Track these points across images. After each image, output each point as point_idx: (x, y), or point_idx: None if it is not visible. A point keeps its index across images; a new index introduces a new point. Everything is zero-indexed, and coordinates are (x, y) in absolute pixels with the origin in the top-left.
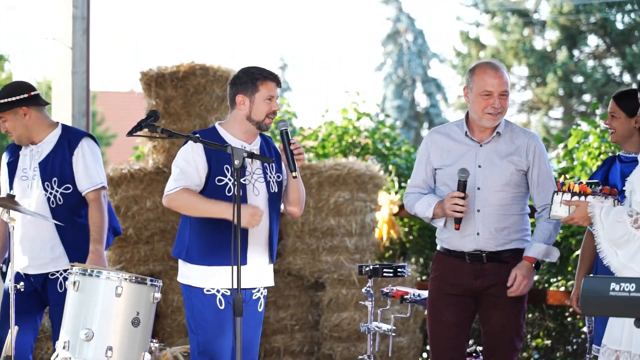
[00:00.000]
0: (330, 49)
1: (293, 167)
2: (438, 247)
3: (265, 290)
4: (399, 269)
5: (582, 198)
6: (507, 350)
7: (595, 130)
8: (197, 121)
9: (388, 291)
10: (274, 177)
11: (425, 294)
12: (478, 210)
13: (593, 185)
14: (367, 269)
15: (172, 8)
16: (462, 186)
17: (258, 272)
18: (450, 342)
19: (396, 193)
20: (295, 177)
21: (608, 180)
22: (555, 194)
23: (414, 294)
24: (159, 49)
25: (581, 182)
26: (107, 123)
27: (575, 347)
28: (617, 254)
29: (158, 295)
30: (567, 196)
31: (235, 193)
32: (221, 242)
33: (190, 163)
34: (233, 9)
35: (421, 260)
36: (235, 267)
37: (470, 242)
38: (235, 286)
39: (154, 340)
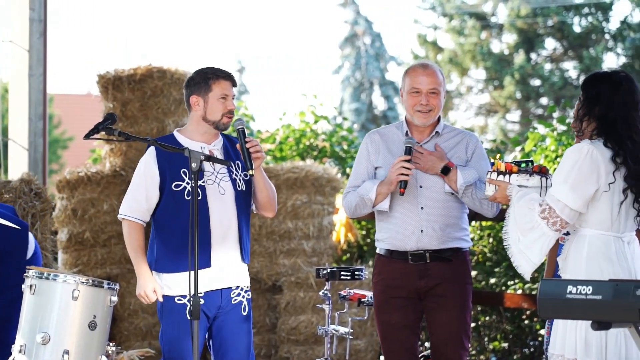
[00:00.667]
0: (288, 51)
1: (250, 165)
2: (377, 250)
3: (248, 294)
4: (356, 272)
5: (507, 177)
6: (456, 350)
7: (553, 133)
8: (154, 124)
9: (345, 294)
10: (240, 175)
11: None
12: (422, 208)
13: (524, 164)
14: (325, 272)
15: (131, 11)
16: (408, 151)
17: (229, 272)
18: (402, 345)
19: None
20: (252, 175)
21: None
22: (488, 173)
23: (371, 297)
24: (118, 51)
25: (515, 162)
26: (64, 126)
27: (532, 349)
28: (520, 239)
29: (115, 298)
30: (494, 175)
31: (193, 196)
32: (186, 249)
33: (140, 184)
34: (191, 12)
35: None
36: (193, 272)
37: (413, 240)
38: (207, 289)
39: (111, 344)
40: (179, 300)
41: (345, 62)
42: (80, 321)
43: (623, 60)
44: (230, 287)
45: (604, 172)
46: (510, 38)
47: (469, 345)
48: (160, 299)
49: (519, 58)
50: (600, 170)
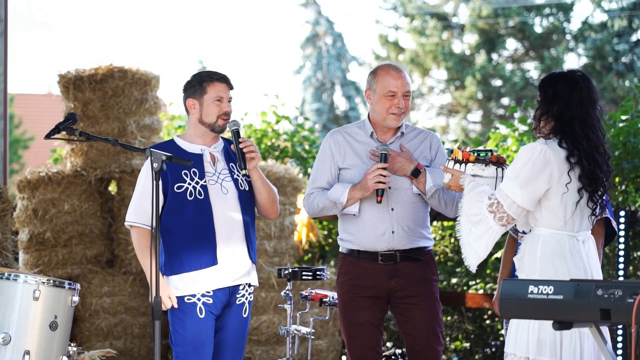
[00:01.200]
0: (250, 51)
1: (243, 165)
2: (342, 249)
3: (251, 295)
4: (317, 272)
5: (463, 165)
6: (434, 346)
7: (514, 133)
8: (115, 124)
9: (307, 294)
10: (241, 175)
11: None
12: (392, 209)
13: (483, 154)
14: (286, 272)
15: (92, 10)
16: (383, 158)
17: (237, 270)
18: (368, 344)
19: None
20: (245, 175)
21: None
22: (446, 161)
23: (333, 297)
24: (78, 51)
25: (475, 151)
26: (24, 126)
27: (494, 349)
28: (471, 231)
29: (76, 298)
30: (451, 164)
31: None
32: (191, 249)
33: (145, 189)
34: (153, 11)
35: None
36: (154, 273)
37: (384, 241)
38: (216, 287)
39: (72, 344)
40: (188, 299)
41: (306, 62)
42: (41, 321)
43: (584, 60)
44: (238, 285)
45: (557, 172)
46: (471, 38)
47: (442, 342)
48: (176, 305)
49: (480, 58)
50: (553, 170)
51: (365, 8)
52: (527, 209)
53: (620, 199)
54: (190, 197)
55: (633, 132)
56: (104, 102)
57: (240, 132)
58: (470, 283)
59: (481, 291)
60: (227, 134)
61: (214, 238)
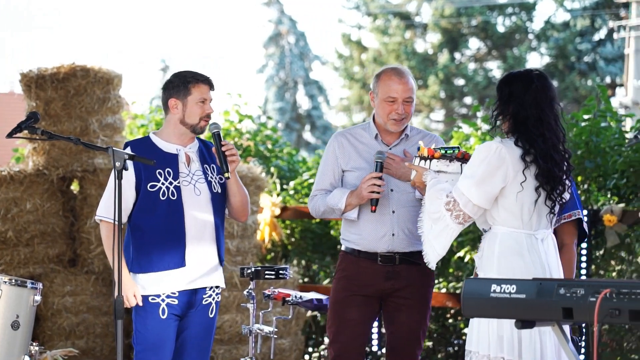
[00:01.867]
0: (212, 50)
1: (225, 168)
2: (343, 247)
3: (219, 296)
4: (280, 271)
5: (428, 162)
6: (413, 350)
7: (477, 132)
8: (77, 123)
9: (270, 293)
10: (215, 178)
11: (307, 295)
12: (393, 212)
13: (450, 151)
14: (249, 271)
15: (54, 9)
16: (379, 167)
17: (205, 272)
18: (354, 342)
19: (278, 195)
20: (228, 178)
21: None
22: (413, 159)
23: (295, 296)
24: (40, 49)
25: (442, 148)
26: None
27: (456, 348)
28: (431, 228)
29: (38, 298)
30: (417, 160)
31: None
32: (160, 249)
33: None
34: (114, 11)
35: (303, 262)
36: (117, 273)
37: (384, 243)
38: (182, 288)
39: (34, 344)
40: (152, 299)
41: (269, 61)
42: (2, 321)
43: (547, 60)
44: (205, 287)
45: (512, 170)
46: (434, 38)
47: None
48: (141, 303)
49: (443, 58)
50: (508, 169)
51: (328, 7)
52: (483, 208)
53: (582, 198)
54: (163, 197)
55: (595, 132)
56: (66, 100)
57: (221, 134)
58: None
59: (444, 290)
60: (203, 135)
61: (184, 240)
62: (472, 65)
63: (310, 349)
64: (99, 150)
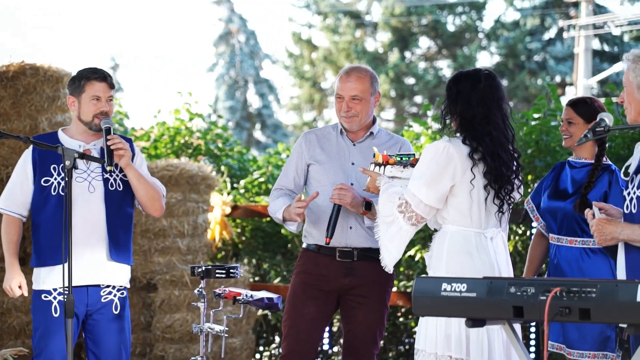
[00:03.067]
0: (163, 49)
1: (108, 161)
2: (304, 245)
3: (121, 292)
4: (231, 270)
5: (383, 168)
6: (369, 349)
7: (427, 131)
8: (27, 121)
9: (220, 292)
10: (117, 174)
11: (258, 294)
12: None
13: (406, 157)
14: (200, 270)
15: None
16: (336, 207)
17: (93, 270)
18: (308, 337)
19: (228, 194)
20: (111, 171)
21: (558, 185)
22: (369, 165)
23: (246, 295)
24: None
25: (397, 155)
26: None
27: (407, 347)
28: (387, 231)
29: None
30: (372, 166)
31: (67, 192)
32: (50, 244)
33: (16, 178)
34: (63, 9)
35: (254, 261)
36: (67, 269)
37: (342, 237)
38: (64, 285)
39: None
40: (45, 297)
41: (219, 60)
42: None
43: (497, 59)
44: (99, 286)
45: (460, 168)
46: (384, 36)
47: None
48: (26, 294)
49: (393, 56)
50: (456, 167)
51: (278, 6)
52: (435, 207)
53: None
54: (54, 192)
55: (545, 131)
56: (15, 99)
57: (112, 129)
58: None
59: (394, 289)
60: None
61: (70, 236)
62: (422, 64)
63: (261, 348)
64: (49, 149)
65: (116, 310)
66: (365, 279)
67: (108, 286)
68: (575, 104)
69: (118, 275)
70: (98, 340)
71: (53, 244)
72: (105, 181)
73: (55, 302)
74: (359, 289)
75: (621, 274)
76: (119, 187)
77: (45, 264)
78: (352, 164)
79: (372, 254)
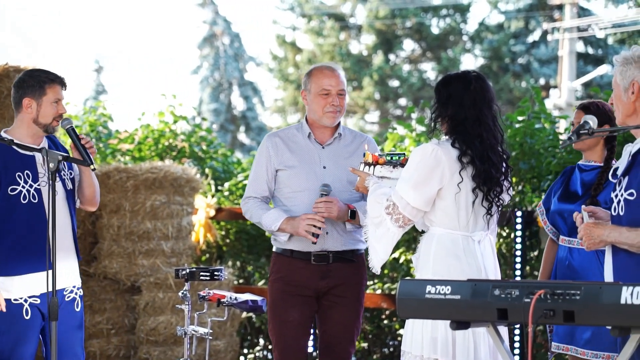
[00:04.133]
0: (147, 51)
1: (90, 160)
2: (274, 248)
3: (80, 290)
4: (215, 273)
5: (372, 168)
6: (346, 348)
7: (411, 134)
8: (10, 124)
9: (205, 294)
10: (67, 174)
11: (242, 297)
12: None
13: (396, 157)
14: (184, 272)
15: None
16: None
17: (65, 274)
18: (297, 343)
19: (213, 196)
20: (94, 170)
21: (568, 187)
22: (359, 165)
23: (230, 298)
24: None
25: (387, 154)
26: None
27: (392, 349)
28: (375, 232)
29: None
30: (362, 166)
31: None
32: (22, 252)
33: None
34: (48, 11)
35: (238, 263)
36: (51, 274)
37: (318, 242)
38: (44, 291)
39: None
40: (15, 300)
41: (204, 62)
42: None
43: (481, 61)
44: (65, 287)
45: (449, 171)
46: (369, 39)
47: (355, 346)
48: (4, 309)
49: (378, 59)
50: (444, 170)
51: (263, 8)
52: (422, 210)
53: (517, 199)
54: (24, 200)
55: (530, 133)
56: None
57: (74, 128)
58: (369, 283)
59: (379, 291)
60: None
61: (55, 243)
62: (406, 67)
63: (245, 350)
64: (33, 152)
65: (77, 307)
66: (341, 280)
67: (73, 286)
68: (586, 107)
69: (77, 274)
70: (61, 338)
71: (23, 253)
72: (63, 182)
73: (26, 305)
74: (335, 290)
75: (608, 276)
76: (71, 186)
77: (11, 273)
78: (324, 167)
79: (345, 255)
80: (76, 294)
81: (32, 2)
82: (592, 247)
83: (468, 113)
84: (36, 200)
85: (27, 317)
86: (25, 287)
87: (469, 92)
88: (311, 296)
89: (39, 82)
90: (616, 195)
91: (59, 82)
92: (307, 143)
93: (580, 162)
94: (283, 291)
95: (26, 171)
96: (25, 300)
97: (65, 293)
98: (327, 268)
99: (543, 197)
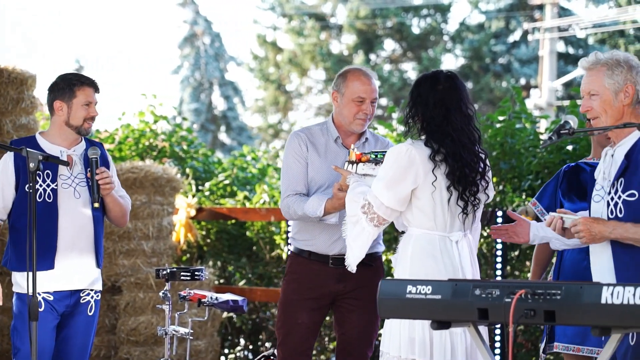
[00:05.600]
0: (127, 51)
1: (96, 197)
2: (292, 248)
3: (98, 295)
4: (196, 272)
5: (355, 165)
6: (364, 350)
7: (392, 133)
8: (6, 122)
9: (185, 295)
10: (92, 207)
11: (223, 297)
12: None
13: (380, 155)
14: (165, 272)
15: None
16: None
17: (78, 277)
18: (303, 345)
19: (193, 196)
20: (96, 208)
21: (581, 186)
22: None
23: (211, 297)
24: None
25: (372, 152)
26: None
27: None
28: (352, 230)
29: None
30: (346, 165)
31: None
32: (37, 248)
33: None
34: (28, 11)
35: (218, 263)
36: (31, 273)
37: (338, 246)
38: (54, 289)
39: None
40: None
41: (184, 62)
42: None
43: (462, 61)
44: (80, 290)
45: (422, 171)
46: (349, 39)
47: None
48: (1, 303)
49: (359, 59)
50: (418, 170)
51: (244, 8)
52: (396, 210)
53: (497, 199)
54: (39, 199)
55: (510, 133)
56: None
57: (99, 161)
58: None
59: None
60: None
61: (55, 243)
62: (387, 67)
63: (226, 350)
64: (13, 151)
65: (90, 311)
66: (358, 283)
67: (91, 290)
68: None
69: (98, 280)
70: (69, 338)
71: (37, 251)
72: (90, 188)
73: (39, 298)
74: (352, 293)
75: (607, 274)
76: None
77: (23, 269)
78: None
79: (364, 259)
80: (92, 297)
81: (13, 2)
82: (590, 242)
83: (434, 112)
84: (50, 200)
85: (41, 309)
86: (39, 283)
87: (436, 92)
88: (324, 298)
89: (69, 84)
90: (612, 198)
91: (90, 84)
92: (334, 147)
93: (586, 160)
94: (297, 293)
95: (47, 171)
96: (39, 293)
97: (81, 295)
98: (344, 271)
99: (536, 195)
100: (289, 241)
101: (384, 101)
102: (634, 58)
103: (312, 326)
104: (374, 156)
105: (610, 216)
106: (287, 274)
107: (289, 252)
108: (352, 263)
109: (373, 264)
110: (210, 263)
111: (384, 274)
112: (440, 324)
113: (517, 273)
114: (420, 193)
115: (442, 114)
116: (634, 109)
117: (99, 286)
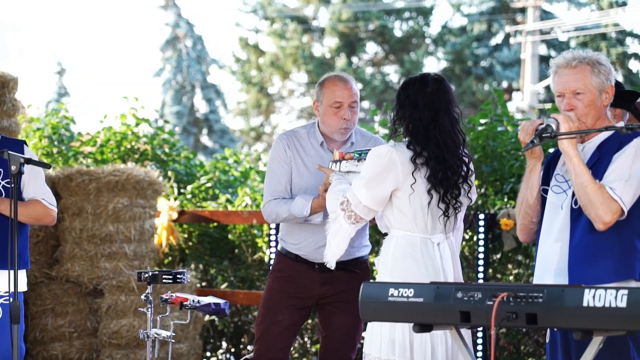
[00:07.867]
0: (109, 53)
1: None
2: (279, 247)
3: (4, 299)
4: (178, 275)
5: (339, 164)
6: (347, 354)
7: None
8: None
9: (167, 297)
10: (1, 183)
11: (205, 300)
12: None
13: (364, 153)
14: (146, 275)
15: None
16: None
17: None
18: (280, 343)
19: (175, 199)
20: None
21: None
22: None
23: (193, 300)
24: None
25: (356, 152)
26: None
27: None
28: (331, 227)
29: None
30: (330, 164)
31: (14, 200)
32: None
33: None
34: (9, 13)
35: (201, 266)
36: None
37: (323, 253)
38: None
39: None
40: None
41: (166, 65)
42: None
43: (444, 64)
44: None
45: (402, 173)
46: (331, 42)
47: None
48: None
49: (341, 62)
50: (398, 172)
51: (226, 11)
52: (373, 209)
53: (479, 202)
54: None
55: (492, 136)
56: None
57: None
58: None
59: None
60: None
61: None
62: (369, 70)
63: (208, 354)
64: None
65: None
66: (343, 287)
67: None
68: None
69: (4, 281)
70: None
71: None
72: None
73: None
74: (337, 295)
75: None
76: (2, 194)
77: None
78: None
79: (349, 265)
80: (6, 300)
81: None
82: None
83: (423, 115)
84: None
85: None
86: None
87: (425, 95)
88: (308, 299)
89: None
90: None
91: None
92: (320, 150)
93: None
94: (281, 291)
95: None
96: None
97: None
98: (330, 275)
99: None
100: (278, 240)
101: (366, 104)
102: (607, 58)
103: (292, 326)
104: (357, 155)
105: (574, 206)
106: (273, 271)
107: (276, 250)
108: (330, 259)
109: (358, 270)
110: (192, 266)
111: (370, 277)
112: (423, 327)
113: (499, 276)
114: (400, 194)
115: (430, 116)
116: (606, 110)
117: (4, 287)
